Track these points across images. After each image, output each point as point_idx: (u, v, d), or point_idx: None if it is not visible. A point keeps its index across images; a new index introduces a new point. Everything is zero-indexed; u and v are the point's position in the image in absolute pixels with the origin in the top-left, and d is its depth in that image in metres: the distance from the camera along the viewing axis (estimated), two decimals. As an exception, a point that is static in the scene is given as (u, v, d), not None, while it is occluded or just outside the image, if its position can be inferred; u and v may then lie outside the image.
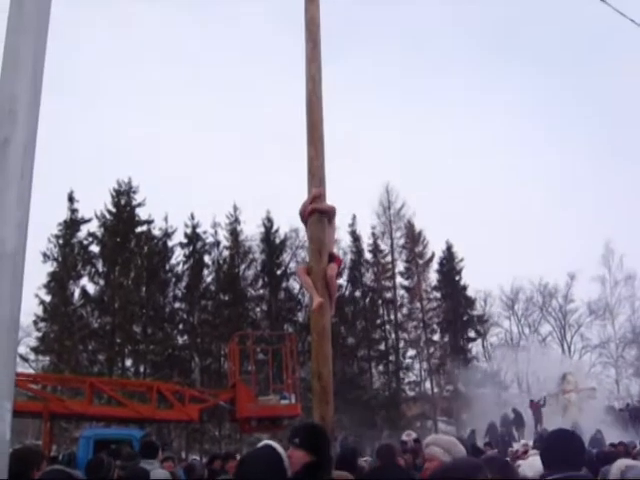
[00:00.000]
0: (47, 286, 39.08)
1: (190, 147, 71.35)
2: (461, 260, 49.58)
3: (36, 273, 37.50)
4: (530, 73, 76.66)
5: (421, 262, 49.14)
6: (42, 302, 38.85)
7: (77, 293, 40.24)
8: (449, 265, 49.54)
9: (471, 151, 73.25)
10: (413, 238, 48.94)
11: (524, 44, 72.84)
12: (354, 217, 48.34)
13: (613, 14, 9.07)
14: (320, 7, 8.48)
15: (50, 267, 39.43)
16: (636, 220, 57.75)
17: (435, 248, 49.79)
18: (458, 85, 77.87)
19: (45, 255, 39.28)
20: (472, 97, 75.20)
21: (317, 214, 7.16)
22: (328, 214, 7.11)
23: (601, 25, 55.05)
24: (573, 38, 75.27)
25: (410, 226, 49.09)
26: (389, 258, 48.85)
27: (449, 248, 49.92)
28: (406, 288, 48.57)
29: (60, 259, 39.75)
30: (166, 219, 42.90)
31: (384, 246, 49.17)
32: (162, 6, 73.99)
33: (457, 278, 49.44)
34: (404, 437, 10.58)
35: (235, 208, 44.92)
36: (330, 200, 7.85)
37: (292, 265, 45.25)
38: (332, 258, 6.92)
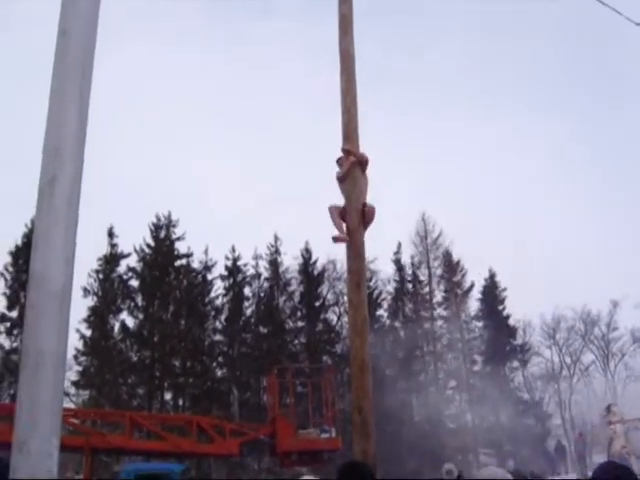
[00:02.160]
0: (87, 320, 39.53)
1: (231, 180, 72.08)
2: (504, 289, 48.93)
3: (77, 307, 37.97)
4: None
5: (460, 292, 48.57)
6: (83, 336, 39.25)
7: (117, 327, 40.61)
8: (491, 294, 48.85)
9: (512, 178, 72.59)
10: (451, 268, 48.46)
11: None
12: (399, 245, 48.11)
13: None
14: (354, 41, 8.60)
15: (90, 302, 39.98)
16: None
17: (474, 277, 49.18)
18: (501, 113, 77.49)
19: (86, 290, 39.85)
20: (515, 125, 74.95)
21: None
22: (363, 164, 7.77)
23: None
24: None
25: (448, 255, 48.66)
26: (427, 288, 48.42)
27: (492, 277, 49.29)
28: (445, 318, 48.01)
29: (100, 294, 40.25)
30: (206, 252, 43.40)
31: (422, 276, 48.80)
32: (201, 51, 75.28)
33: (500, 307, 48.71)
34: (445, 470, 10.46)
35: (276, 239, 45.21)
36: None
37: (330, 297, 45.23)
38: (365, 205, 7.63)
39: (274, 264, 44.87)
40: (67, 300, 2.53)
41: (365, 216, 7.62)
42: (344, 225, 7.59)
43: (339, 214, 7.69)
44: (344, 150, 7.90)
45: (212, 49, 76.80)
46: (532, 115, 74.77)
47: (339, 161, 8.08)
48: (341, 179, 7.88)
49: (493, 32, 77.75)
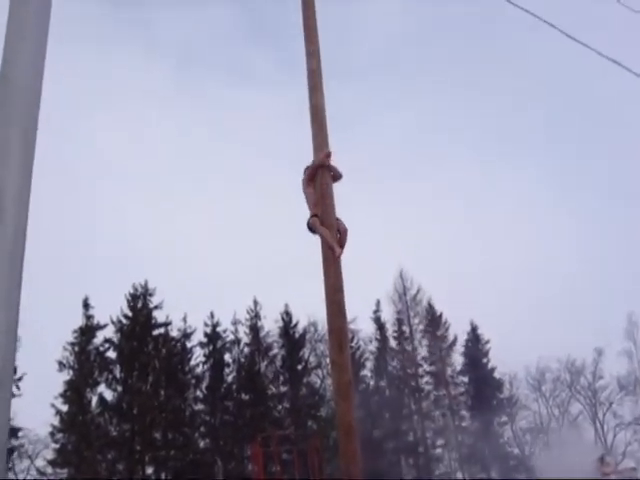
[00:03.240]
0: (64, 395, 38.41)
1: (207, 245, 71.72)
2: (487, 342, 48.65)
3: (52, 383, 37.07)
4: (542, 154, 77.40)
5: (444, 346, 48.22)
6: (59, 412, 38.08)
7: (94, 401, 39.49)
8: (474, 348, 48.54)
9: (488, 229, 73.09)
10: (434, 321, 48.22)
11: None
12: (378, 303, 47.81)
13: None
14: (325, 97, 8.48)
15: (66, 375, 38.93)
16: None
17: (457, 330, 48.94)
18: (470, 165, 78.58)
19: (61, 363, 38.88)
20: (486, 175, 75.91)
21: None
22: (335, 175, 7.60)
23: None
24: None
25: (430, 309, 48.47)
26: (410, 345, 48.02)
27: (474, 330, 49.08)
28: (431, 374, 47.47)
29: (76, 367, 39.27)
30: (185, 319, 42.70)
31: (405, 333, 48.44)
32: (176, 114, 76.01)
33: (484, 360, 48.35)
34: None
35: (255, 303, 44.70)
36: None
37: (312, 359, 44.59)
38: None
39: (254, 329, 44.29)
40: (8, 383, 2.20)
41: (340, 234, 7.37)
42: (331, 238, 7.26)
43: (320, 223, 7.35)
44: (317, 166, 7.67)
45: (182, 113, 77.44)
46: (500, 164, 75.72)
47: (307, 169, 7.84)
48: (308, 181, 7.67)
49: (465, 87, 79.39)
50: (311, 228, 7.50)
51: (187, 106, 76.52)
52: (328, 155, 7.69)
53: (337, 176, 7.68)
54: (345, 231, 7.45)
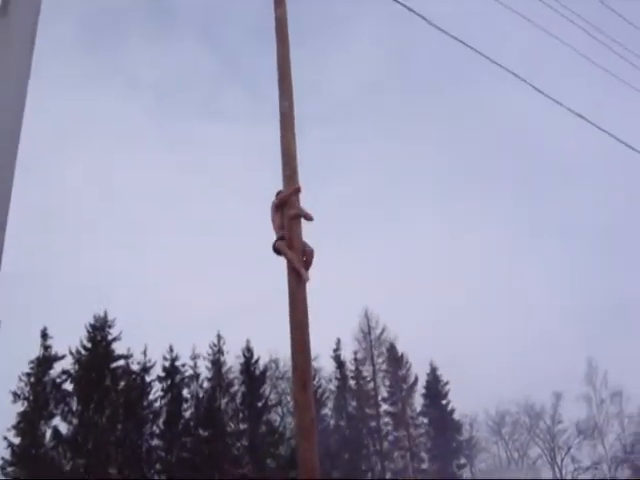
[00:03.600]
0: (16, 427, 37.33)
1: (169, 276, 71.07)
2: (446, 383, 48.73)
3: (5, 414, 36.08)
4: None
5: (405, 387, 48.17)
6: (10, 445, 36.96)
7: (48, 434, 38.44)
8: (434, 389, 48.58)
9: (452, 269, 73.80)
10: (396, 362, 48.22)
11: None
12: (338, 342, 47.64)
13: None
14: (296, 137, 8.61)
15: (20, 407, 37.89)
16: (617, 335, 57.71)
17: (419, 371, 49.02)
18: (433, 208, 79.61)
19: (15, 394, 37.84)
20: (448, 217, 76.88)
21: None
22: (306, 216, 7.68)
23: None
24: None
25: (392, 349, 48.50)
26: (372, 385, 47.88)
27: (434, 371, 49.18)
28: (391, 414, 47.30)
29: (31, 398, 38.27)
30: (145, 352, 41.98)
31: (366, 372, 48.31)
32: (150, 149, 75.96)
33: (444, 402, 48.37)
34: None
35: (219, 337, 44.17)
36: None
37: (272, 397, 44.14)
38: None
39: (217, 364, 43.68)
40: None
41: (306, 256, 7.51)
42: (297, 261, 7.39)
43: (287, 247, 7.48)
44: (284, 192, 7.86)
45: (156, 148, 77.40)
46: (465, 205, 77.00)
47: (278, 194, 8.02)
48: (278, 207, 7.82)
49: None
50: (277, 251, 7.64)
51: (161, 141, 76.68)
52: (297, 190, 7.87)
53: (308, 217, 7.77)
54: (311, 252, 7.60)
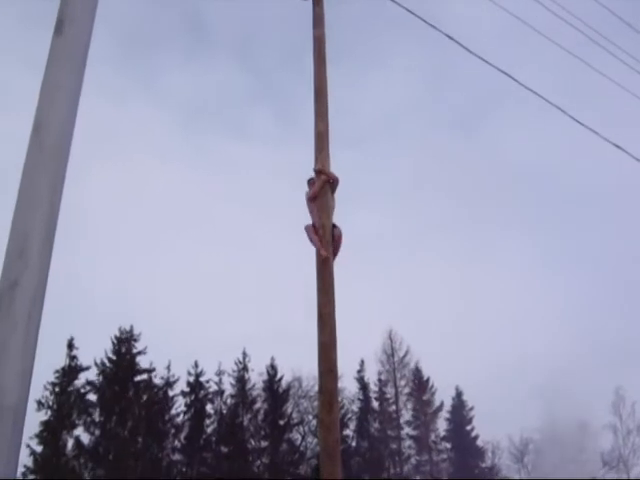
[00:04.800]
0: (39, 436, 37.60)
1: (197, 293, 71.49)
2: (471, 409, 48.19)
3: (29, 422, 36.24)
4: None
5: (429, 411, 47.69)
6: (33, 453, 37.21)
7: (70, 444, 38.68)
8: (459, 414, 48.02)
9: (479, 295, 73.27)
10: (420, 386, 47.80)
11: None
12: (362, 363, 47.39)
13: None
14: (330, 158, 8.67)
15: (44, 416, 38.19)
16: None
17: (444, 395, 48.50)
18: (458, 233, 79.24)
19: (40, 403, 38.16)
20: (477, 242, 76.44)
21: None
22: (333, 184, 8.08)
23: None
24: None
25: (417, 372, 48.11)
26: (394, 407, 47.49)
27: (459, 395, 48.65)
28: (414, 438, 46.82)
29: (55, 407, 38.58)
30: (168, 367, 42.24)
31: (389, 394, 47.96)
32: (178, 167, 76.82)
33: (468, 428, 47.79)
34: None
35: (244, 355, 44.26)
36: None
37: (295, 415, 43.99)
38: (334, 226, 7.89)
39: (241, 381, 43.73)
40: (21, 417, 2.26)
41: (334, 239, 7.78)
42: (320, 243, 7.70)
43: (314, 231, 7.80)
44: (316, 170, 8.10)
45: (184, 166, 78.15)
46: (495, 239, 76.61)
47: (310, 181, 8.26)
48: (312, 198, 8.05)
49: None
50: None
51: (190, 159, 77.44)
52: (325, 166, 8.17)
53: (334, 181, 8.13)
54: (339, 237, 7.87)
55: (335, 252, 7.78)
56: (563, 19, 11.17)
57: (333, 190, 8.16)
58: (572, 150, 70.55)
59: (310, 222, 8.01)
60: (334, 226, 7.92)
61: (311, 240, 7.80)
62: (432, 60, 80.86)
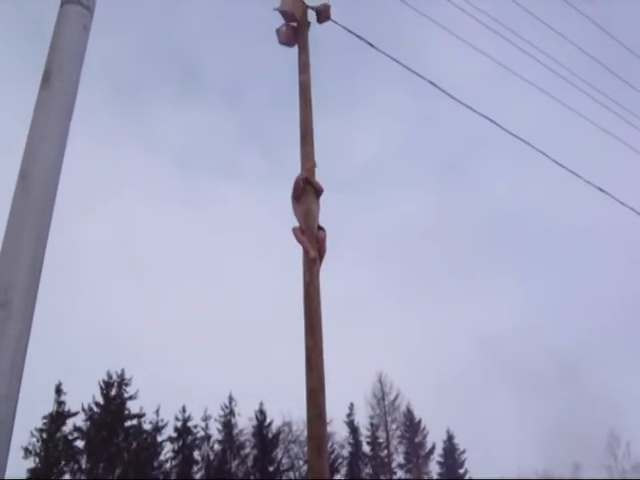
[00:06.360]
0: (27, 485, 36.83)
1: (184, 335, 70.92)
2: (463, 452, 47.65)
3: (15, 469, 35.69)
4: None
5: (422, 453, 47.12)
6: (20, 502, 36.40)
7: (58, 492, 37.85)
8: (451, 457, 47.46)
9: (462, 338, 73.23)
10: (412, 428, 47.30)
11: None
12: (352, 406, 46.92)
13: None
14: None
15: (31, 463, 37.46)
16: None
17: (435, 438, 47.99)
18: (447, 276, 79.51)
19: (27, 450, 37.45)
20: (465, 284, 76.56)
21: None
22: (317, 192, 8.24)
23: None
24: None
25: (409, 414, 47.66)
26: (386, 451, 46.91)
27: (450, 438, 48.16)
28: (407, 482, 46.18)
29: (42, 454, 37.85)
30: (157, 412, 41.61)
31: (381, 438, 47.40)
32: (170, 209, 77.12)
33: (461, 471, 47.18)
34: None
35: (230, 399, 43.68)
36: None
37: (284, 461, 43.32)
38: (320, 228, 8.03)
39: (228, 426, 43.10)
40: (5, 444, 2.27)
41: (319, 241, 7.89)
42: (308, 244, 7.83)
43: (301, 232, 7.92)
44: (303, 179, 8.27)
45: (175, 208, 78.35)
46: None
47: (295, 185, 8.37)
48: (296, 197, 8.21)
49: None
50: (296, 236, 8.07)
51: (183, 199, 77.82)
52: (312, 167, 8.40)
53: (319, 190, 8.29)
54: (324, 239, 7.94)
55: (321, 255, 7.89)
56: (544, 64, 11.39)
57: (318, 196, 8.35)
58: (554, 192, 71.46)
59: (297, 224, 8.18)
60: (320, 228, 8.07)
61: (299, 241, 7.91)
62: (417, 105, 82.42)
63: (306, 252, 7.81)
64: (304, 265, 7.82)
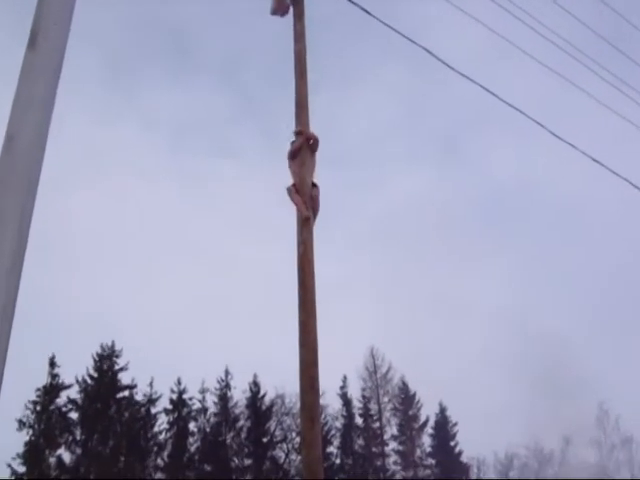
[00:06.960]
0: (22, 456, 37.00)
1: (180, 308, 71.06)
2: (455, 424, 48.09)
3: (10, 441, 35.87)
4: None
5: (416, 426, 47.57)
6: (14, 473, 36.60)
7: (52, 463, 38.08)
8: (443, 430, 47.92)
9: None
10: (406, 401, 47.69)
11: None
12: (345, 379, 47.23)
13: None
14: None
15: (26, 435, 37.63)
16: (631, 379, 56.69)
17: (428, 411, 48.39)
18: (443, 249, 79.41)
19: (21, 422, 37.63)
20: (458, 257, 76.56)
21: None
22: (313, 144, 8.27)
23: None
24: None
25: (403, 387, 48.02)
26: (378, 424, 47.33)
27: (442, 411, 48.57)
28: (400, 453, 46.62)
29: (37, 427, 38.03)
30: (151, 384, 41.76)
31: (373, 411, 47.79)
32: (165, 186, 76.75)
33: (452, 444, 47.67)
34: None
35: (227, 373, 43.92)
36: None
37: (278, 433, 43.65)
38: (314, 185, 8.08)
39: (224, 399, 43.37)
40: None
41: (312, 198, 7.93)
42: (301, 204, 7.86)
43: (295, 191, 7.95)
44: (296, 132, 8.33)
45: (170, 185, 77.91)
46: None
47: (292, 143, 8.42)
48: (292, 155, 8.24)
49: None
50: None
51: (175, 177, 77.33)
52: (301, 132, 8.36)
53: (314, 143, 8.33)
54: (317, 196, 8.00)
55: (315, 212, 7.91)
56: (544, 36, 11.29)
57: (313, 150, 8.35)
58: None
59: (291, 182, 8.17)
60: (314, 185, 8.08)
61: (293, 201, 7.92)
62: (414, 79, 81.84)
63: (300, 211, 7.84)
64: (298, 224, 7.81)
